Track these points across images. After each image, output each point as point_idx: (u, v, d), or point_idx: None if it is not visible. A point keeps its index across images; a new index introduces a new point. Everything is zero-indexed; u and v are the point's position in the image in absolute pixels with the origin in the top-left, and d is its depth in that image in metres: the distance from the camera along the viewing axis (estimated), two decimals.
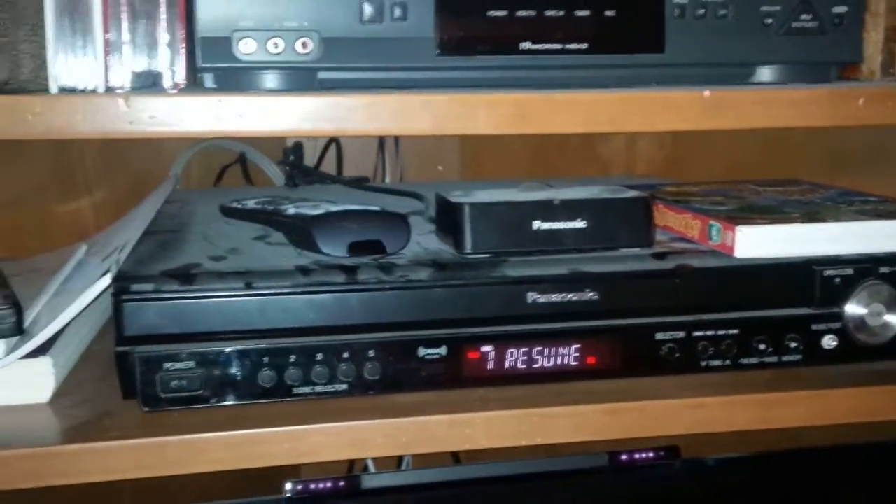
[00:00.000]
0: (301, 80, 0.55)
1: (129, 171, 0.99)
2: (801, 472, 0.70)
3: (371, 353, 0.54)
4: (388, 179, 1.12)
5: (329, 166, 1.06)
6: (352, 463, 0.99)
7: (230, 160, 1.05)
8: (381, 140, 1.09)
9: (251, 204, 0.69)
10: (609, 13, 0.57)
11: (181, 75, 0.53)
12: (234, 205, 0.71)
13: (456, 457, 0.97)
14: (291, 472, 0.72)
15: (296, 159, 0.91)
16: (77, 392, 0.58)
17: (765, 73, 0.61)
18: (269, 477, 0.63)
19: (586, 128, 0.52)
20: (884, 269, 0.59)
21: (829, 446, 0.69)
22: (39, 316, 0.60)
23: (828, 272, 0.59)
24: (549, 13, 0.57)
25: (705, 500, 0.70)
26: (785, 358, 0.59)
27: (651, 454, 0.69)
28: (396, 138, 1.11)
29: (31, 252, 0.87)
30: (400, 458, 1.01)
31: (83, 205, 0.96)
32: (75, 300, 0.53)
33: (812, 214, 0.61)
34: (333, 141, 1.04)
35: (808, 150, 0.93)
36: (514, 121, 0.52)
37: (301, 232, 0.58)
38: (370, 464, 0.93)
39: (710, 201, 0.67)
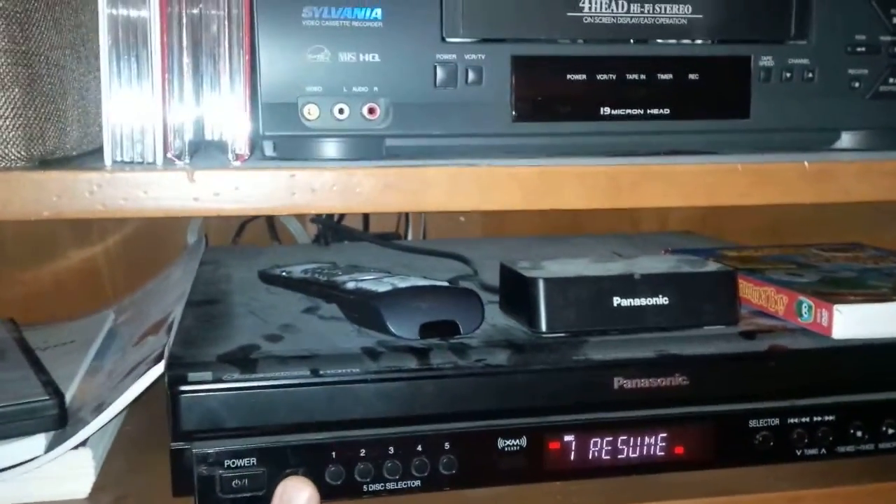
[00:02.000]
0: (367, 147, 0.51)
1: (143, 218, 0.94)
2: None
3: (446, 446, 0.50)
4: (410, 233, 1.08)
5: (352, 220, 1.02)
6: None
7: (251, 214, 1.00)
8: None
9: (297, 272, 0.64)
10: (693, 76, 0.54)
11: (244, 145, 0.49)
12: (278, 272, 0.66)
13: None
14: None
15: (328, 217, 0.87)
16: (117, 486, 0.52)
17: (848, 139, 0.58)
18: None
19: (683, 201, 0.49)
20: None
21: None
22: (75, 400, 0.55)
23: None
24: (631, 77, 0.53)
25: None
26: (882, 445, 0.55)
27: None
28: None
29: (45, 303, 0.82)
30: None
31: (97, 252, 0.91)
32: (124, 390, 0.48)
33: None
34: None
35: (848, 204, 0.90)
36: (606, 193, 0.48)
37: (366, 309, 0.54)
38: None
39: (785, 271, 0.64)
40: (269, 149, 0.52)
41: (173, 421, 0.47)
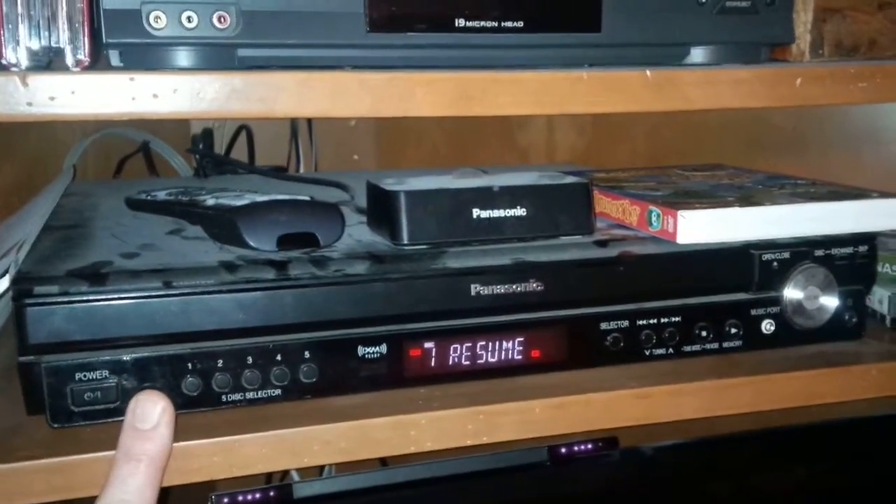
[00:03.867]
0: (219, 57, 0.50)
1: (19, 160, 0.91)
2: (736, 457, 0.70)
3: (306, 355, 0.51)
4: (302, 168, 1.08)
5: (239, 155, 1.01)
6: (270, 473, 0.95)
7: (131, 150, 0.98)
8: (294, 127, 1.05)
9: (162, 195, 0.63)
10: None
11: (85, 52, 0.47)
12: (143, 197, 0.65)
13: (383, 459, 0.94)
14: (208, 483, 0.67)
15: (206, 147, 0.85)
16: None
17: (698, 54, 0.60)
18: (192, 491, 0.58)
19: (533, 110, 0.50)
20: (818, 253, 0.59)
21: (764, 429, 0.69)
22: None
23: (766, 256, 0.58)
24: None
25: (645, 488, 0.69)
26: (726, 344, 0.59)
27: (590, 446, 0.68)
28: (310, 125, 1.07)
29: None
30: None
31: None
32: None
33: (748, 198, 0.61)
34: (244, 128, 0.99)
35: (722, 136, 0.94)
36: (457, 102, 0.49)
37: (224, 224, 0.53)
38: (294, 473, 0.89)
39: (644, 187, 0.66)
40: (115, 58, 0.50)
41: (20, 335, 0.46)
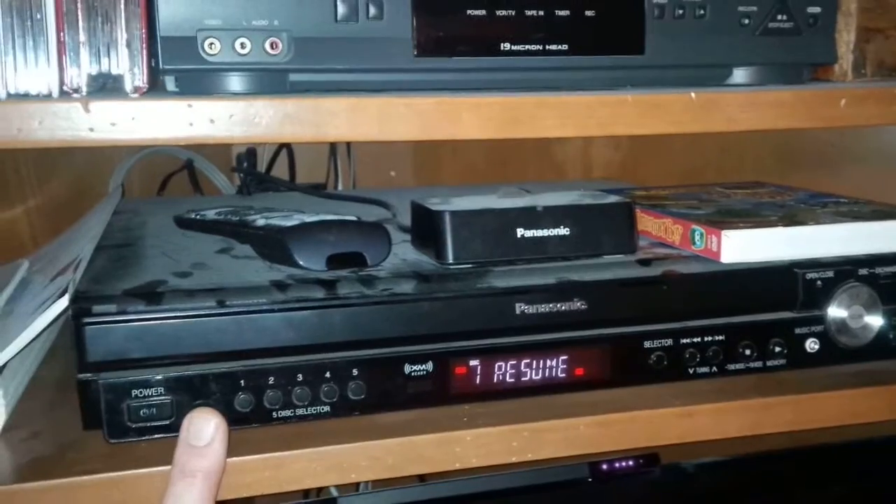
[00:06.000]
0: (271, 82, 0.52)
1: (66, 179, 0.93)
2: (778, 474, 0.70)
3: (354, 372, 0.51)
4: (340, 186, 1.09)
5: (279, 173, 1.03)
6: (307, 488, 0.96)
7: (174, 168, 1.00)
8: (334, 145, 1.06)
9: (211, 214, 0.65)
10: (589, 13, 0.56)
11: (143, 78, 0.49)
12: (192, 216, 0.66)
13: (421, 475, 0.94)
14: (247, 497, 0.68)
15: (250, 166, 0.87)
16: (30, 424, 0.53)
17: (740, 75, 0.61)
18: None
19: (579, 132, 0.50)
20: (862, 272, 0.59)
21: (808, 447, 0.69)
22: None
23: (810, 275, 0.58)
24: (529, 13, 0.55)
25: None
26: (769, 363, 0.58)
27: (631, 462, 0.68)
28: (349, 144, 1.08)
29: None
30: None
31: (18, 215, 0.90)
32: (30, 324, 0.49)
33: (791, 217, 0.61)
34: (285, 146, 1.01)
35: (759, 151, 0.93)
36: (504, 125, 0.49)
37: (274, 244, 0.55)
38: (332, 487, 0.89)
39: (686, 205, 0.67)
40: (171, 84, 0.52)
41: (79, 353, 0.47)
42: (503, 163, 1.16)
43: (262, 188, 0.89)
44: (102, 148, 0.97)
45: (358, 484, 0.97)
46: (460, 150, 1.18)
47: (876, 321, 0.59)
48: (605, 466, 0.67)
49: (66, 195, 0.92)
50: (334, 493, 0.91)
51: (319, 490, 0.95)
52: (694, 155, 1.01)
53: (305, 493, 0.94)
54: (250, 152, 0.90)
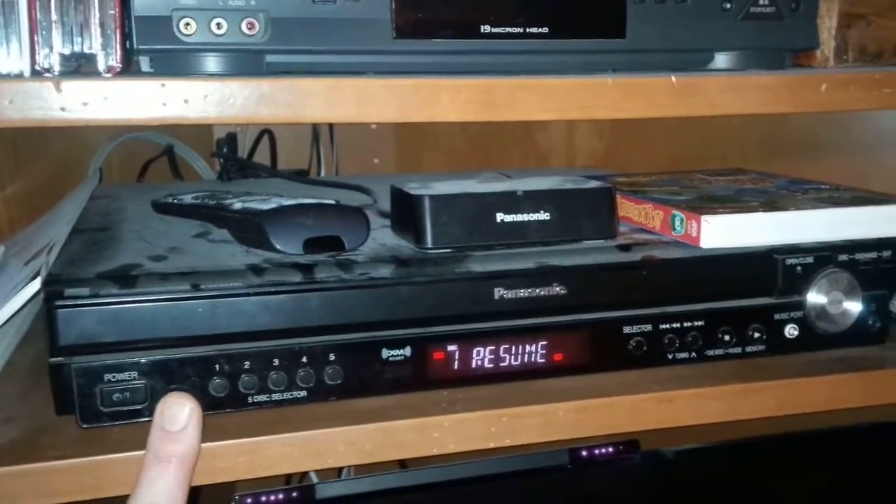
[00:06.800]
0: (248, 63, 0.51)
1: (45, 165, 0.92)
2: (757, 461, 0.70)
3: (331, 357, 0.51)
4: (323, 172, 1.09)
5: (261, 158, 1.02)
6: (289, 474, 0.95)
7: (154, 154, 0.99)
8: (316, 131, 1.05)
9: (188, 199, 0.64)
10: None
11: (116, 59, 0.48)
12: (169, 200, 0.66)
13: (402, 461, 0.94)
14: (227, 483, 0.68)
15: (230, 151, 0.86)
16: (3, 409, 0.52)
17: (722, 60, 0.61)
18: (213, 492, 0.59)
19: (557, 115, 0.50)
20: (842, 257, 0.59)
21: (785, 434, 0.69)
22: None
23: (789, 261, 0.58)
24: None
25: (665, 491, 0.69)
26: (749, 348, 0.58)
27: (611, 449, 0.68)
28: (332, 129, 1.07)
29: None
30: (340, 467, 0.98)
31: None
32: (1, 307, 0.48)
33: (771, 203, 0.61)
34: (266, 132, 1.00)
35: (741, 139, 0.93)
36: (482, 107, 0.49)
37: (251, 228, 0.54)
38: (313, 474, 0.89)
39: (667, 191, 0.67)
40: (145, 65, 0.51)
41: (51, 336, 0.47)
42: (486, 151, 1.15)
43: (242, 174, 0.88)
44: (81, 134, 0.97)
45: (340, 470, 0.97)
46: (443, 138, 1.18)
47: (855, 307, 0.59)
48: (584, 453, 0.67)
49: (45, 181, 0.90)
50: (314, 479, 0.91)
51: (302, 476, 0.95)
52: (677, 143, 1.01)
53: (287, 479, 0.93)
54: (230, 137, 0.89)
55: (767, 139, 0.91)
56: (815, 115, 0.85)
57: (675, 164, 0.97)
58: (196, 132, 1.02)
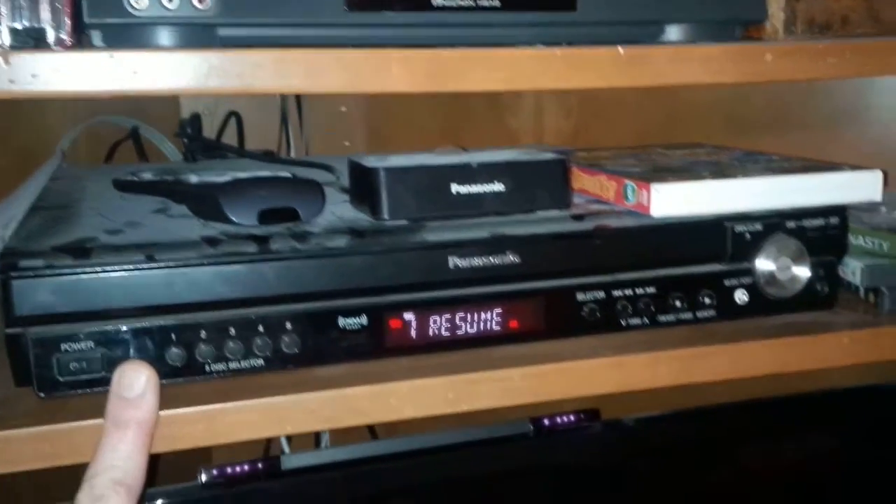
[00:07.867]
0: (200, 37, 0.51)
1: (11, 149, 0.92)
2: (716, 428, 0.72)
3: (288, 326, 0.52)
4: (292, 154, 1.09)
5: (229, 141, 1.02)
6: (268, 443, 0.96)
7: (121, 136, 0.99)
8: (284, 113, 1.06)
9: (148, 176, 0.65)
10: None
11: (67, 32, 0.48)
12: (130, 177, 0.66)
13: (372, 430, 0.95)
14: (203, 456, 0.68)
15: (194, 131, 0.86)
16: None
17: (673, 32, 0.61)
18: (181, 462, 0.60)
19: (505, 85, 0.51)
20: (790, 224, 0.61)
21: (743, 401, 0.71)
22: None
23: (738, 228, 0.59)
24: None
25: (626, 459, 0.70)
26: (700, 314, 0.60)
27: (572, 418, 0.69)
28: (300, 111, 1.08)
29: None
30: (318, 436, 0.99)
31: None
32: None
33: (721, 172, 0.62)
34: (234, 114, 1.00)
35: (707, 117, 0.95)
36: (431, 78, 0.50)
37: (206, 201, 0.55)
38: (284, 443, 0.90)
39: (623, 164, 0.68)
40: (97, 39, 0.51)
41: (6, 308, 0.47)
42: (457, 133, 1.16)
43: (208, 155, 0.88)
44: (47, 117, 0.97)
45: (318, 440, 0.98)
46: (414, 121, 1.19)
47: (803, 273, 0.61)
48: (546, 422, 0.69)
49: (11, 165, 0.91)
50: (287, 450, 0.91)
51: (268, 446, 0.95)
52: (644, 122, 1.02)
53: (266, 450, 0.95)
54: (194, 118, 0.89)
55: (734, 117, 0.92)
56: (780, 94, 0.87)
57: (643, 141, 0.99)
58: (163, 114, 1.02)
